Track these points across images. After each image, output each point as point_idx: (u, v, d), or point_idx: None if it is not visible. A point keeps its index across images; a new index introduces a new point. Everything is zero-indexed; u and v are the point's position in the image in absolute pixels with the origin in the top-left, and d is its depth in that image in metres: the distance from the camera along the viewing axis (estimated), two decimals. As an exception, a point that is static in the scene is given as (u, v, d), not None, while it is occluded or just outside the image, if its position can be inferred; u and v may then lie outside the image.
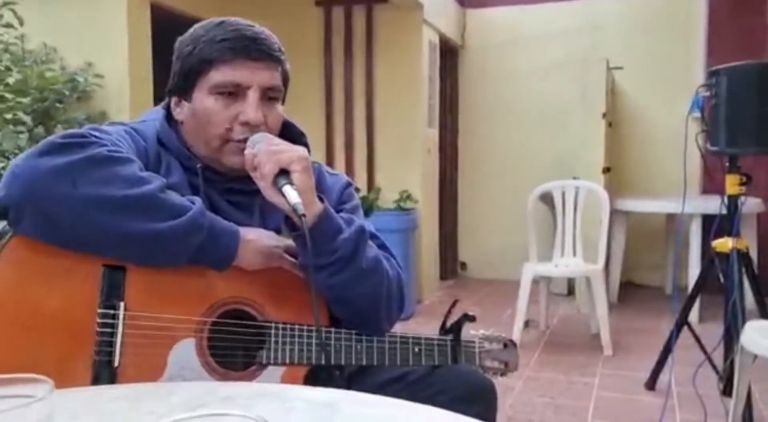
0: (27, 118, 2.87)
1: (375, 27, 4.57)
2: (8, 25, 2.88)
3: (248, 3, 4.50)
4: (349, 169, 4.64)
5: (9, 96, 2.81)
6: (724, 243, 2.57)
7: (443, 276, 5.24)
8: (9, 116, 2.79)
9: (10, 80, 2.90)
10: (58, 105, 3.01)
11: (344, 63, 4.62)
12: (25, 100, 2.82)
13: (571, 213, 3.77)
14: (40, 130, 2.98)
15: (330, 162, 4.67)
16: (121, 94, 3.24)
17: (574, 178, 4.16)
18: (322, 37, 4.65)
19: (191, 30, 1.17)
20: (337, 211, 1.22)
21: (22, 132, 2.86)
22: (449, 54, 5.35)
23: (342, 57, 4.62)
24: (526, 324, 3.69)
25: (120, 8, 3.25)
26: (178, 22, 4.04)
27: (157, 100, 3.44)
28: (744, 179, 2.56)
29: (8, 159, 2.90)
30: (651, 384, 2.91)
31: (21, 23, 2.90)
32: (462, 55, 5.51)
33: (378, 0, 4.45)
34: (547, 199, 3.95)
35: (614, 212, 4.34)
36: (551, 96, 5.17)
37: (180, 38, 1.18)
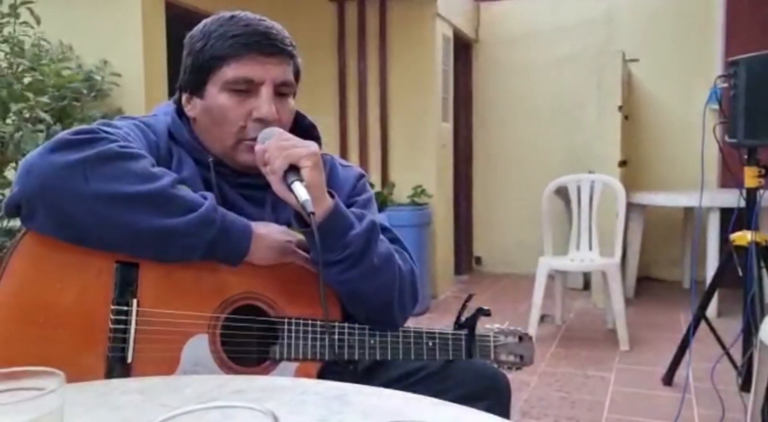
0: (46, 116, 2.90)
1: (388, 22, 4.56)
2: (25, 23, 2.90)
3: (262, -1, 4.51)
4: (363, 164, 4.64)
5: (28, 95, 2.84)
6: (742, 237, 2.54)
7: (458, 271, 5.23)
8: (27, 115, 2.82)
9: (28, 79, 2.93)
10: (75, 103, 3.04)
11: (358, 58, 4.61)
12: (43, 99, 2.85)
13: (586, 207, 3.75)
14: (57, 128, 3.02)
15: (344, 157, 4.66)
16: (137, 90, 3.27)
17: (590, 172, 4.13)
18: (336, 32, 4.65)
19: (201, 25, 1.17)
20: (350, 204, 1.21)
21: (40, 131, 2.89)
22: (463, 48, 5.33)
23: (355, 52, 4.62)
24: (542, 318, 3.67)
25: (134, 5, 3.28)
26: (193, 18, 4.07)
27: (172, 95, 3.48)
28: (763, 171, 2.53)
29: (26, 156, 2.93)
30: (668, 379, 2.89)
31: (38, 22, 2.92)
32: (476, 49, 5.48)
33: (391, -6, 4.44)
34: (562, 192, 3.92)
35: (631, 206, 4.30)
36: (566, 89, 5.13)
37: (190, 33, 1.18)
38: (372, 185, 4.51)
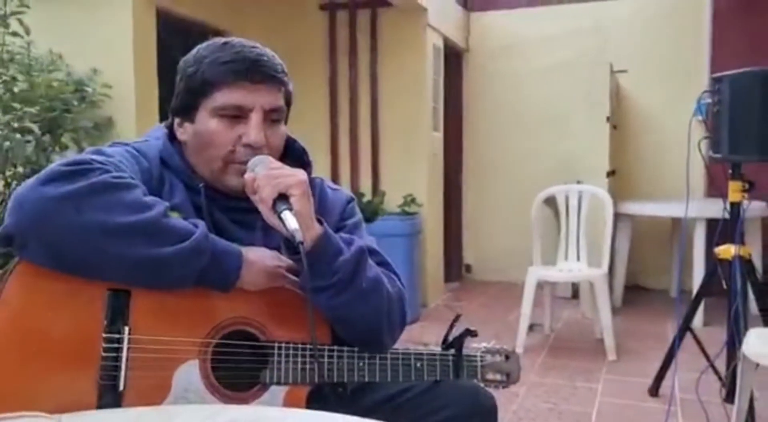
0: (34, 127, 2.89)
1: (379, 31, 4.58)
2: (15, 34, 2.90)
3: (254, 8, 4.52)
4: (354, 173, 4.66)
5: (17, 105, 2.84)
6: (726, 250, 2.58)
7: (448, 279, 5.25)
8: (17, 125, 2.82)
9: (17, 89, 2.92)
10: (65, 114, 3.03)
11: (349, 67, 4.64)
12: (33, 110, 2.85)
13: (574, 218, 3.78)
14: (47, 138, 3.01)
15: (335, 166, 4.69)
16: (128, 99, 3.26)
17: (578, 182, 4.16)
18: (327, 41, 4.67)
19: (195, 51, 1.19)
20: (339, 228, 1.23)
21: (29, 141, 2.89)
22: (453, 57, 5.36)
23: (346, 61, 4.64)
24: (531, 328, 3.70)
25: (125, 13, 3.27)
26: (185, 26, 4.07)
27: (163, 104, 3.45)
28: (746, 186, 2.57)
29: (15, 167, 2.93)
30: (654, 390, 2.92)
31: (27, 33, 2.92)
32: (466, 58, 5.52)
33: (382, 4, 4.46)
34: (551, 202, 3.96)
35: (619, 215, 4.34)
36: (555, 99, 5.17)
37: (184, 58, 1.20)
38: (363, 194, 4.54)
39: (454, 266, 5.46)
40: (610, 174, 4.38)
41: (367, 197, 4.49)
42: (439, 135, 4.94)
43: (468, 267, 5.62)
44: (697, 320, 3.70)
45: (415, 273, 4.28)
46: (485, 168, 5.48)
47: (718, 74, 2.59)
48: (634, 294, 4.81)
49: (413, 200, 4.43)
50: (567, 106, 5.05)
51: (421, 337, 3.64)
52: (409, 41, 4.52)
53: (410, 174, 4.54)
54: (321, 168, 4.57)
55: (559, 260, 3.81)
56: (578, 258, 3.75)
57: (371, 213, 4.22)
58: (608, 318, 3.46)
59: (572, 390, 3.02)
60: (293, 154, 1.26)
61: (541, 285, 3.70)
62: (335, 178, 4.68)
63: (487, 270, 5.49)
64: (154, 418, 0.84)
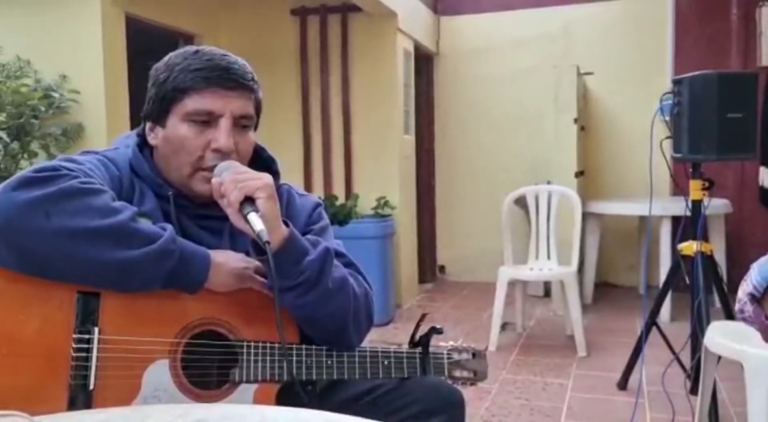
0: (2, 134, 2.87)
1: (350, 35, 4.62)
2: (-19, 41, 2.88)
3: (225, 13, 4.53)
4: (327, 177, 4.68)
5: (-17, 112, 2.82)
6: (689, 247, 2.66)
7: (422, 280, 5.30)
8: (-16, 133, 2.80)
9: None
10: (33, 121, 3.01)
11: (320, 71, 4.67)
12: (0, 117, 2.83)
13: (544, 217, 3.85)
14: (15, 145, 2.99)
15: (308, 170, 4.71)
16: (97, 105, 3.25)
17: (548, 182, 4.24)
18: (298, 45, 4.70)
19: (166, 58, 1.21)
20: (306, 232, 1.26)
21: (-3, 149, 2.87)
22: (424, 61, 5.42)
23: (318, 65, 4.67)
24: (503, 326, 3.76)
25: (94, 19, 3.26)
26: (155, 32, 4.05)
27: (133, 109, 3.43)
28: (707, 184, 2.65)
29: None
30: (623, 384, 2.99)
31: (-6, 39, 2.91)
32: (437, 61, 5.58)
33: (353, 9, 4.50)
34: (521, 202, 4.02)
35: (588, 215, 4.43)
36: (525, 101, 5.25)
37: (156, 65, 1.22)
38: (336, 197, 4.57)
39: (428, 267, 5.50)
40: (579, 174, 4.47)
41: (341, 200, 4.51)
42: (411, 138, 4.99)
43: (442, 268, 5.68)
44: (665, 316, 3.80)
45: (389, 275, 4.31)
46: (457, 169, 5.55)
47: (678, 76, 2.68)
48: (604, 291, 4.91)
49: (386, 202, 4.47)
50: (536, 108, 5.14)
51: (395, 338, 3.67)
52: (380, 45, 4.57)
53: (383, 176, 4.58)
54: (294, 171, 4.60)
55: (530, 259, 3.87)
56: (549, 257, 3.82)
57: (345, 216, 4.25)
58: (578, 314, 3.53)
59: (543, 386, 3.08)
60: (262, 163, 1.29)
61: (513, 284, 3.76)
62: (308, 181, 4.70)
63: (461, 270, 5.55)
64: (127, 418, 0.86)
